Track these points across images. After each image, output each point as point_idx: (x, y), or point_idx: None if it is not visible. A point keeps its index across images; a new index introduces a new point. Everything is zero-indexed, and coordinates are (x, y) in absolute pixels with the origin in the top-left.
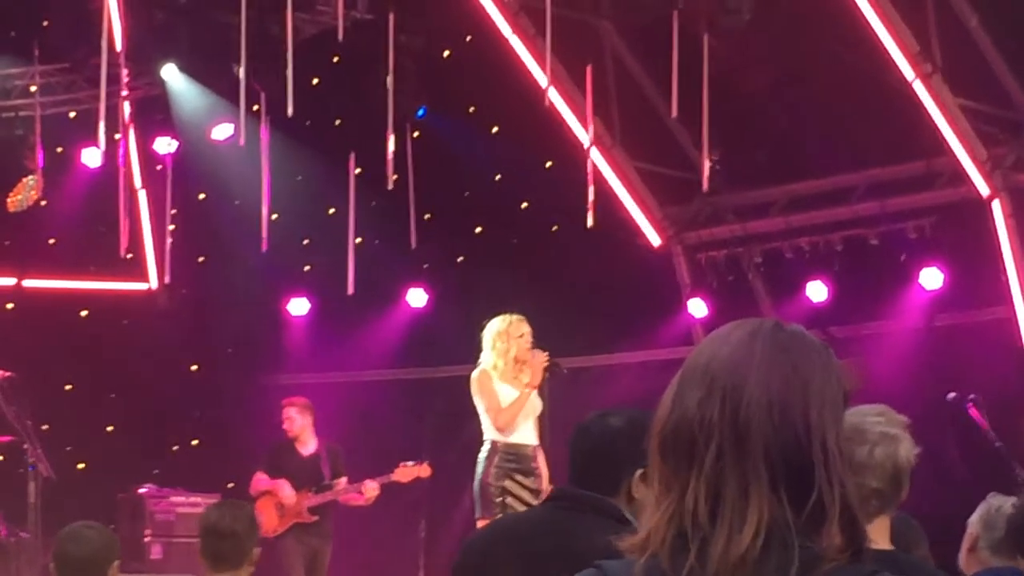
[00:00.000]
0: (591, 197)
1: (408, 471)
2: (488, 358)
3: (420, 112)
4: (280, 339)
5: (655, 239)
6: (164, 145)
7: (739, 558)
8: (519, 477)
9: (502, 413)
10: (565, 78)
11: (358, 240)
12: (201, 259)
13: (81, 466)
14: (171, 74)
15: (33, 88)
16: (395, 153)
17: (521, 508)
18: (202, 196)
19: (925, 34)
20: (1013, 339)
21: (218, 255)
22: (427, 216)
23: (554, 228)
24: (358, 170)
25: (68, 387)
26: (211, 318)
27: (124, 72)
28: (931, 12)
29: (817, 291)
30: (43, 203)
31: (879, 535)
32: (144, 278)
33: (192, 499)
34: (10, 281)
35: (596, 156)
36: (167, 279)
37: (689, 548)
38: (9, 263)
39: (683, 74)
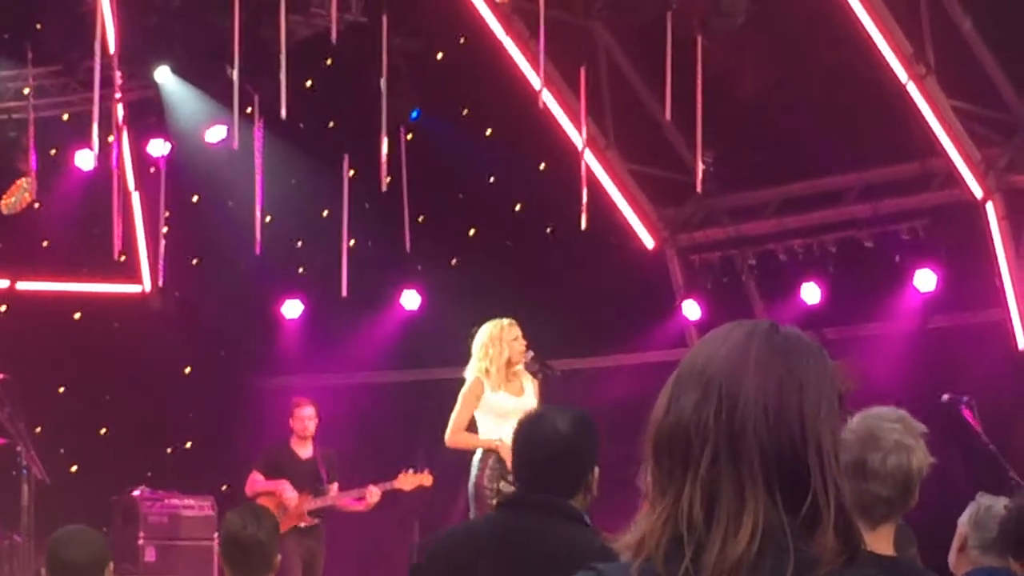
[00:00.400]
0: (584, 199)
1: (411, 479)
2: (479, 365)
3: (414, 114)
4: (274, 341)
5: (649, 241)
6: (157, 147)
7: (735, 562)
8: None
9: (457, 435)
10: (558, 80)
11: (352, 242)
12: (195, 261)
13: (74, 469)
14: (164, 76)
15: (26, 90)
16: (389, 155)
17: None
18: (196, 198)
19: (919, 36)
20: (1006, 341)
21: (212, 257)
22: (421, 218)
23: (548, 230)
24: (352, 172)
25: (61, 389)
26: (204, 320)
27: (117, 74)
28: (925, 14)
29: (811, 293)
30: (36, 205)
31: (883, 541)
32: (138, 280)
33: (186, 502)
34: (3, 283)
35: (590, 158)
36: (160, 281)
37: (684, 552)
38: (2, 265)
39: (677, 76)
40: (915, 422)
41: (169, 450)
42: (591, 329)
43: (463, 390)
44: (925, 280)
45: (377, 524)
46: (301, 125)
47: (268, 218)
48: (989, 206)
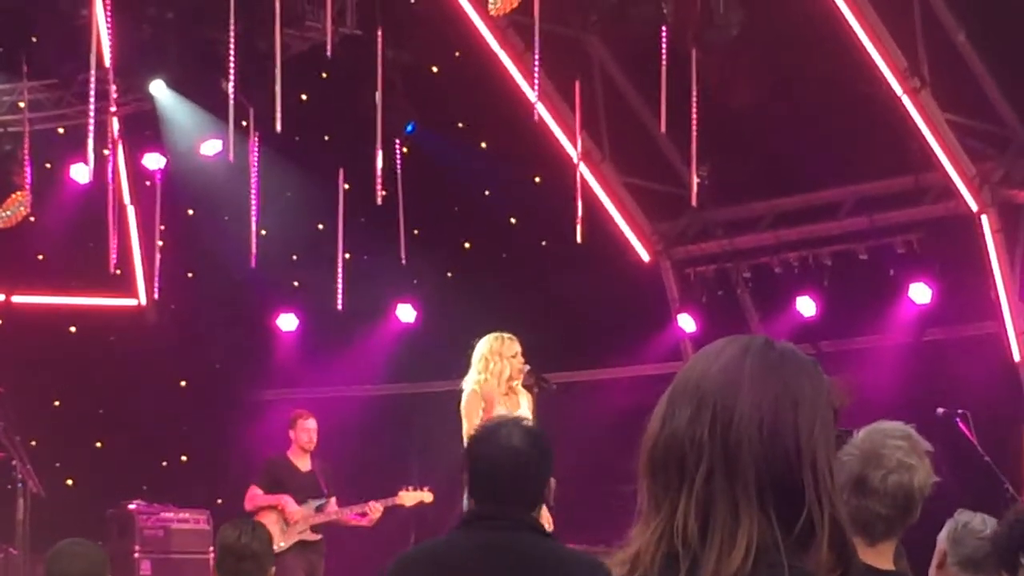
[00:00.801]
0: (579, 212)
1: (412, 495)
2: (477, 377)
3: (409, 128)
4: (269, 355)
5: (644, 254)
6: (153, 161)
7: None
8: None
9: None
10: (553, 93)
11: (347, 256)
12: (190, 275)
13: (70, 482)
14: (160, 90)
15: (22, 104)
16: (384, 169)
17: None
18: (191, 212)
19: (913, 49)
20: (1002, 354)
21: (207, 271)
22: (416, 231)
23: (543, 243)
24: (347, 185)
25: (56, 403)
26: (200, 334)
27: (112, 88)
28: (919, 27)
29: (806, 306)
30: (32, 219)
31: (882, 557)
32: (133, 294)
33: (181, 515)
34: None
35: (585, 171)
36: (156, 295)
37: (679, 567)
38: None
39: (671, 89)
40: (921, 440)
41: (164, 463)
42: (586, 342)
43: (464, 403)
44: (920, 293)
45: (373, 537)
46: (296, 138)
47: (263, 231)
48: (984, 219)
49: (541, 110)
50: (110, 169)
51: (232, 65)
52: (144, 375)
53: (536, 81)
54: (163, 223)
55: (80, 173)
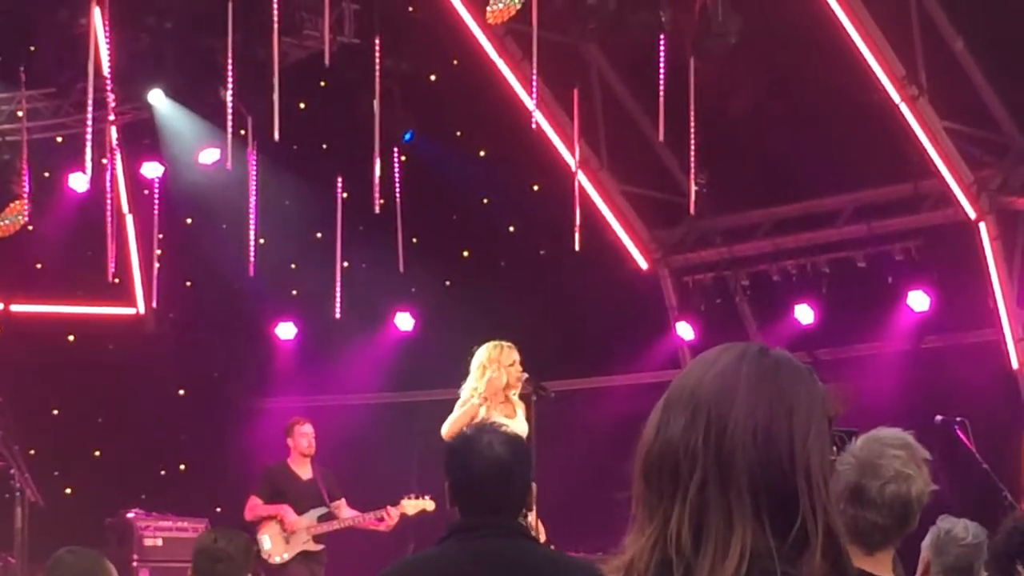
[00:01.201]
0: (578, 220)
1: (414, 504)
2: (475, 385)
3: (407, 136)
4: (267, 363)
5: (642, 262)
6: (151, 170)
7: None
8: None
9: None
10: (552, 101)
11: (345, 264)
12: (188, 283)
13: (68, 491)
14: (158, 99)
15: (20, 113)
16: (382, 177)
17: None
18: (189, 220)
19: (911, 57)
20: (1000, 361)
21: (205, 279)
22: (414, 240)
23: (541, 251)
24: (345, 194)
25: (55, 412)
26: (198, 342)
27: (111, 97)
28: (917, 35)
29: (804, 314)
30: (30, 228)
31: (880, 566)
32: (131, 303)
33: (180, 523)
34: None
35: (583, 179)
36: (154, 304)
37: (673, 575)
38: None
39: (670, 97)
40: (919, 448)
41: (163, 472)
42: (584, 350)
43: (460, 404)
44: (918, 300)
45: (372, 544)
46: (295, 147)
47: (262, 240)
48: (982, 226)
49: (539, 118)
50: (108, 178)
51: (230, 74)
52: (143, 384)
53: (534, 89)
54: (161, 232)
55: (78, 182)
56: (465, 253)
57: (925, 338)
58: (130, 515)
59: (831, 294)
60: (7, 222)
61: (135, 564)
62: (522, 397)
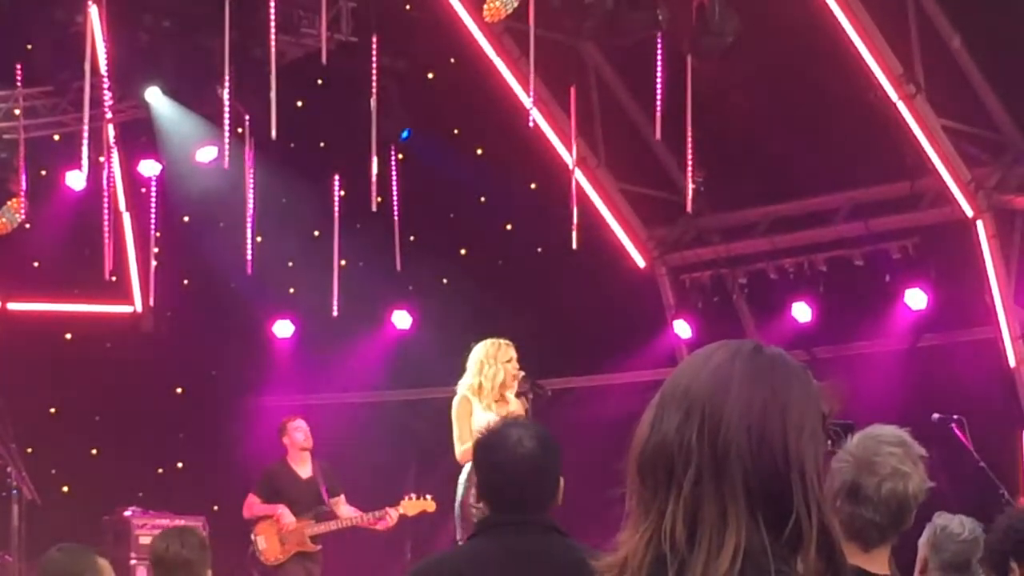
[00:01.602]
0: (575, 218)
1: (414, 504)
2: (471, 381)
3: (404, 134)
4: (265, 361)
5: (640, 260)
6: (148, 168)
7: None
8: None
9: (466, 451)
10: (549, 99)
11: (343, 262)
12: (185, 282)
13: (65, 489)
14: (155, 97)
15: (17, 111)
16: (379, 175)
17: None
18: (186, 219)
19: (908, 55)
20: (997, 359)
21: (202, 278)
22: (412, 238)
23: (539, 250)
24: (342, 192)
25: (52, 410)
26: (196, 341)
27: (108, 95)
28: (914, 33)
29: (802, 312)
30: (27, 226)
31: (876, 562)
32: (128, 301)
33: (177, 522)
34: None
35: (580, 177)
36: (151, 302)
37: (667, 572)
38: None
39: (667, 96)
40: (915, 445)
41: (160, 470)
42: (582, 348)
43: (456, 406)
44: (916, 299)
45: (369, 544)
46: (292, 145)
47: (259, 238)
48: (979, 225)
49: (536, 116)
50: (105, 176)
51: (228, 72)
52: (140, 382)
53: (531, 87)
54: (159, 230)
55: (75, 180)
56: (462, 251)
57: (922, 336)
58: (127, 513)
59: (828, 292)
60: (4, 220)
61: (132, 562)
62: (518, 395)
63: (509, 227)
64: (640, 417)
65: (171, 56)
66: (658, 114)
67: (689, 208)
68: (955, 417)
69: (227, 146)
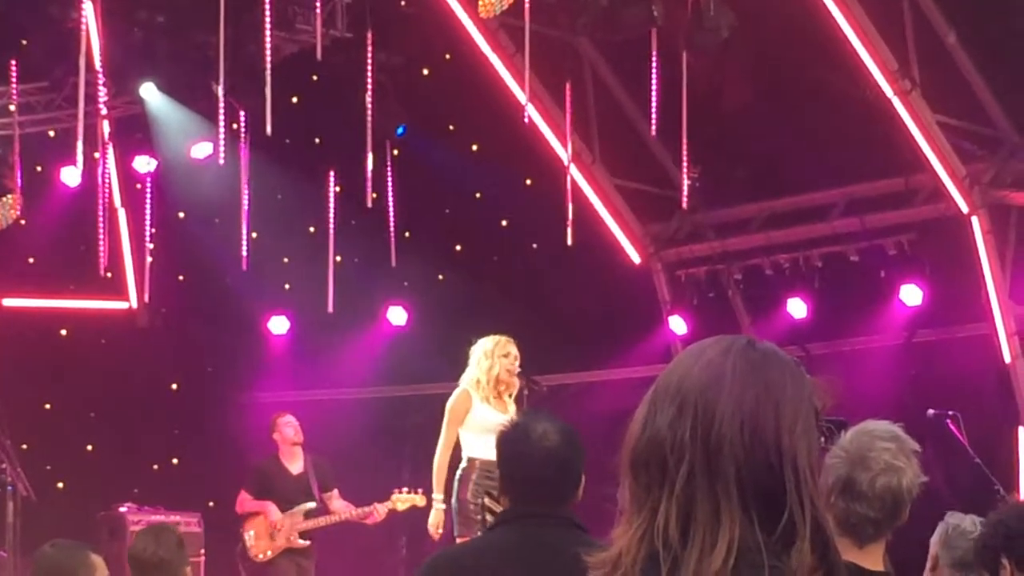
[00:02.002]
0: (570, 214)
1: (405, 499)
2: (471, 375)
3: (399, 130)
4: (260, 357)
5: (635, 256)
6: (143, 164)
7: None
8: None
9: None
10: (544, 95)
11: (338, 258)
12: (181, 278)
13: (60, 485)
14: (150, 93)
15: (12, 107)
16: (374, 171)
17: None
18: (181, 215)
19: (903, 51)
20: (992, 355)
21: (198, 274)
22: (407, 234)
23: (534, 245)
24: (337, 188)
25: (47, 406)
26: (191, 337)
27: (103, 91)
28: (909, 29)
29: (797, 308)
30: (22, 222)
31: (870, 558)
32: (124, 297)
33: (172, 518)
34: None
35: (575, 173)
36: (147, 298)
37: (660, 568)
38: None
39: (662, 92)
40: (909, 440)
41: (155, 466)
42: (577, 344)
43: (450, 403)
44: (911, 294)
45: (365, 539)
46: (287, 141)
47: (254, 234)
48: (974, 220)
49: (532, 112)
50: (101, 172)
51: (223, 68)
52: (135, 378)
53: (527, 83)
54: (154, 226)
55: (70, 176)
56: (458, 247)
57: (917, 332)
58: (122, 509)
59: (824, 288)
60: None
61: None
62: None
63: (504, 223)
64: (634, 413)
65: (166, 52)
66: (653, 110)
67: (684, 204)
68: (950, 413)
69: (222, 142)
